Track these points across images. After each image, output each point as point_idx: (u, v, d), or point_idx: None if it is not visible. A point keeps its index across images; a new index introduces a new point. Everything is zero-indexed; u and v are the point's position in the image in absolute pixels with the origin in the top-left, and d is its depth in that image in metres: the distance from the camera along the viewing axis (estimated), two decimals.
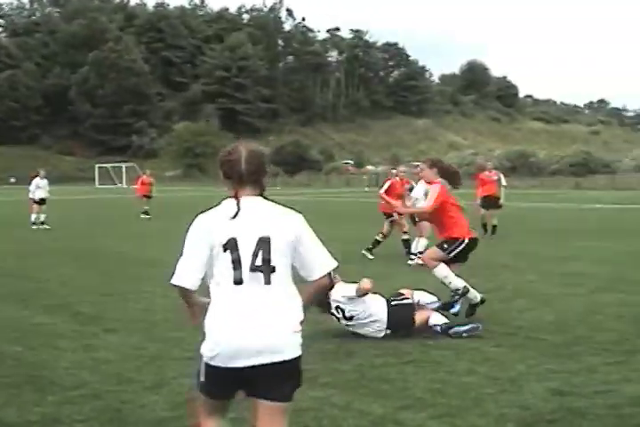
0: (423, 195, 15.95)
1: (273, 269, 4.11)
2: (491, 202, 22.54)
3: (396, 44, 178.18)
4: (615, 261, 16.49)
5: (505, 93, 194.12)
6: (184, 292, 4.26)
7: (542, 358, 8.00)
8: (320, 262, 4.26)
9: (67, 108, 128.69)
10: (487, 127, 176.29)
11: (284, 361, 4.08)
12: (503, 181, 22.88)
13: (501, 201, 22.57)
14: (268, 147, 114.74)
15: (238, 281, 4.08)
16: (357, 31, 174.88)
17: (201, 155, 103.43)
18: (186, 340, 8.87)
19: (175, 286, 4.25)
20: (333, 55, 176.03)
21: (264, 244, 4.11)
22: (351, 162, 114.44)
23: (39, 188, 28.27)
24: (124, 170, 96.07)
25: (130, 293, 12.44)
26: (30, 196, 28.21)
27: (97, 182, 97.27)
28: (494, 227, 22.44)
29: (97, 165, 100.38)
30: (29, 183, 28.89)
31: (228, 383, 4.21)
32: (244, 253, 4.09)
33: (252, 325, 4.05)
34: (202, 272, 4.18)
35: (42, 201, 27.92)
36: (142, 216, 32.17)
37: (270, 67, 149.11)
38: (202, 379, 4.23)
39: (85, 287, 13.14)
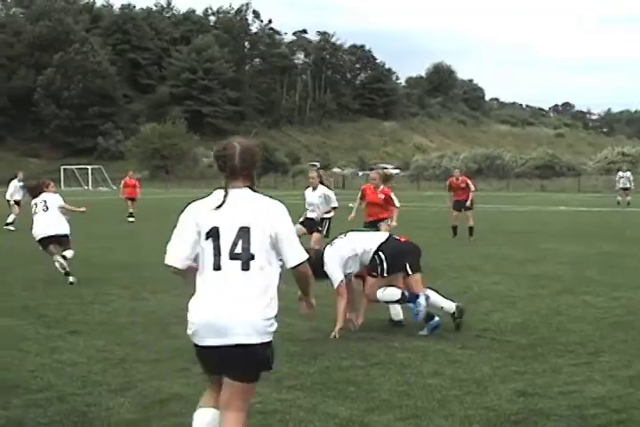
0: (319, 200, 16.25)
1: (252, 257, 4.42)
2: (461, 205, 22.80)
3: (362, 47, 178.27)
4: (579, 263, 16.63)
5: (471, 96, 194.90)
6: (176, 271, 4.62)
7: (507, 359, 8.07)
8: (293, 255, 4.56)
9: (32, 109, 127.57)
10: (453, 130, 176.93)
11: (250, 344, 4.38)
12: (471, 187, 23.12)
13: (467, 203, 22.68)
14: None
15: (217, 267, 4.42)
16: (324, 33, 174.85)
17: (168, 157, 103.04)
18: (152, 343, 8.87)
19: (168, 265, 4.61)
20: (300, 58, 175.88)
21: (244, 233, 4.43)
22: (317, 164, 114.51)
23: (17, 190, 28.24)
24: (89, 172, 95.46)
25: (96, 295, 12.39)
26: (8, 197, 28.21)
27: (62, 185, 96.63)
28: (471, 228, 22.56)
29: (62, 167, 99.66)
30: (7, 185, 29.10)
31: (206, 360, 4.56)
32: (225, 242, 4.43)
33: (224, 308, 4.37)
34: (190, 254, 4.53)
35: (16, 203, 27.86)
36: (129, 219, 31.60)
37: (237, 69, 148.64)
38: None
39: (50, 290, 13.07)
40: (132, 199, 32.99)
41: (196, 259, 4.56)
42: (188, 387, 7.03)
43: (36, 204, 14.73)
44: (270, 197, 4.63)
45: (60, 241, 14.53)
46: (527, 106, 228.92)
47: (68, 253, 14.45)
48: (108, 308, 11.30)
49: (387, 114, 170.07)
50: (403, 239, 9.89)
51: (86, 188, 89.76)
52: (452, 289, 12.51)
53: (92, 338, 9.21)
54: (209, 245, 4.47)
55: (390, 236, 9.97)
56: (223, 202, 4.50)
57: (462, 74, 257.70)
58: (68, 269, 14.01)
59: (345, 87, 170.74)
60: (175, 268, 4.58)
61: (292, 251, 4.57)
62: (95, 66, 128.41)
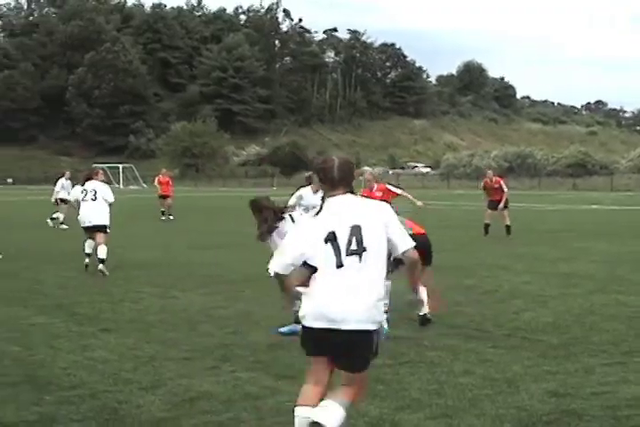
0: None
1: (364, 249, 4.96)
2: (496, 204, 23.15)
3: (393, 45, 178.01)
4: (612, 261, 16.50)
5: (502, 94, 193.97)
6: (280, 277, 5.13)
7: (539, 359, 8.01)
8: (403, 242, 5.10)
9: (64, 108, 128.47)
10: (484, 128, 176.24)
11: (360, 331, 4.91)
12: (504, 188, 23.37)
13: (501, 205, 22.89)
14: (265, 148, 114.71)
15: (339, 265, 4.96)
16: (355, 32, 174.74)
17: (198, 155, 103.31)
18: (182, 341, 8.89)
19: (272, 271, 5.18)
20: (330, 56, 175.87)
21: (356, 231, 4.98)
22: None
23: (64, 188, 28.43)
24: (120, 170, 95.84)
25: (126, 293, 12.45)
26: (56, 196, 28.46)
27: None
28: (508, 227, 22.92)
29: (93, 166, 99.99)
30: (54, 183, 29.69)
31: (316, 343, 5.05)
32: (342, 242, 4.97)
33: (343, 296, 4.90)
34: (295, 262, 5.06)
35: (63, 201, 28.01)
36: (162, 218, 31.64)
37: (267, 67, 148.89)
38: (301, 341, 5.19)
39: (82, 288, 13.15)
40: (165, 197, 32.71)
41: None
42: (218, 385, 7.04)
43: (86, 191, 15.49)
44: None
45: (99, 230, 15.36)
46: (559, 104, 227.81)
47: (102, 253, 14.92)
48: (139, 306, 11.34)
49: (417, 112, 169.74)
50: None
51: (117, 186, 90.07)
52: (483, 288, 12.47)
53: (123, 336, 9.25)
54: (329, 247, 4.99)
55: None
56: (328, 209, 5.13)
57: (493, 72, 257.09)
58: (103, 270, 14.64)
59: (375, 85, 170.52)
60: (278, 273, 5.11)
61: (402, 239, 5.10)
62: (126, 65, 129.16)
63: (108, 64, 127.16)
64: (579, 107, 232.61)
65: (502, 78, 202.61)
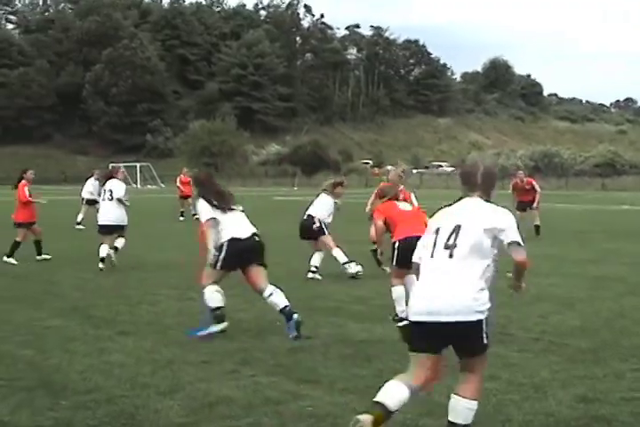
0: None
1: (455, 246, 5.41)
2: (526, 205, 23.37)
3: (416, 42, 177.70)
4: None
5: (529, 92, 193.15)
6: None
7: (567, 363, 7.98)
8: (511, 237, 5.48)
9: (80, 106, 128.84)
10: (510, 126, 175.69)
11: (461, 322, 5.33)
12: (537, 188, 23.68)
13: (534, 205, 23.25)
14: (286, 147, 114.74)
15: (431, 255, 5.51)
16: (377, 28, 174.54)
17: (217, 154, 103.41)
18: (201, 344, 8.90)
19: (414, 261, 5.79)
20: (353, 53, 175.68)
21: (457, 229, 5.46)
22: (370, 162, 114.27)
23: (95, 187, 28.55)
24: (137, 169, 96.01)
25: (144, 295, 12.48)
26: (83, 195, 28.65)
27: None
28: (537, 227, 23.06)
29: (111, 165, 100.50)
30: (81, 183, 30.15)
31: (419, 337, 5.51)
32: (442, 236, 5.50)
33: (435, 289, 5.39)
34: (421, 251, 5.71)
35: (88, 202, 28.01)
36: (181, 218, 31.61)
37: (288, 64, 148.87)
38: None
39: (98, 290, 13.20)
40: (186, 197, 32.25)
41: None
42: (238, 390, 7.05)
43: (104, 190, 16.32)
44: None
45: (116, 231, 16.12)
46: (587, 101, 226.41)
47: (119, 243, 16.03)
48: (156, 308, 11.37)
49: (441, 110, 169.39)
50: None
51: (135, 186, 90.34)
52: (509, 290, 12.39)
53: (140, 339, 9.27)
54: (431, 239, 5.57)
55: None
56: (452, 206, 5.75)
57: (519, 69, 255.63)
58: (113, 259, 15.62)
59: (398, 83, 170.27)
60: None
61: (511, 236, 5.48)
62: (144, 62, 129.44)
63: (126, 61, 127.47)
64: (608, 104, 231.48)
65: (529, 75, 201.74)
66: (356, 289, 13.06)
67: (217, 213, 9.57)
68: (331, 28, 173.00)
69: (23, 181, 17.60)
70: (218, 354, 8.43)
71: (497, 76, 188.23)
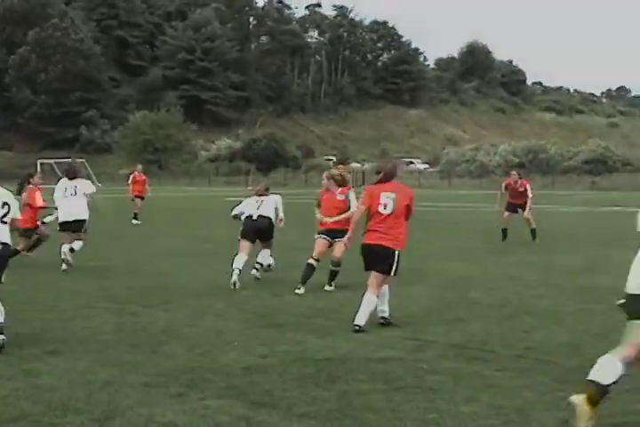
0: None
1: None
2: (517, 207, 23.88)
3: (385, 23, 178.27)
4: None
5: (510, 80, 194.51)
6: None
7: (553, 384, 8.02)
8: None
9: (3, 95, 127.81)
10: (490, 118, 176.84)
11: None
12: (530, 193, 24.05)
13: (526, 211, 23.65)
14: (239, 141, 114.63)
15: None
16: (341, 8, 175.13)
17: (161, 149, 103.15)
18: (142, 364, 8.85)
19: None
20: (314, 36, 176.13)
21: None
22: (334, 158, 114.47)
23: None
24: None
25: (77, 309, 12.39)
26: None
27: None
28: (533, 231, 23.52)
29: (39, 161, 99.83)
30: None
31: None
32: None
33: None
34: None
35: None
36: (133, 222, 31.30)
37: (241, 49, 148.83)
38: None
39: (25, 303, 13.06)
40: (142, 198, 32.50)
41: None
42: (184, 415, 7.00)
43: (66, 188, 17.54)
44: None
45: (76, 226, 17.36)
46: (575, 91, 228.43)
47: (76, 245, 17.09)
48: (92, 323, 11.28)
49: (413, 100, 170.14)
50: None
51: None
52: (488, 302, 12.47)
53: (74, 358, 9.19)
54: None
55: None
56: None
57: (500, 54, 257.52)
58: (69, 260, 16.85)
59: (365, 70, 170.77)
60: None
61: None
62: (76, 44, 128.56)
63: (56, 43, 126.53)
64: (598, 94, 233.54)
65: (510, 62, 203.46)
66: (317, 301, 13.04)
67: None
68: (288, 7, 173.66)
69: (31, 186, 18.19)
70: (162, 375, 8.38)
71: (475, 62, 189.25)
